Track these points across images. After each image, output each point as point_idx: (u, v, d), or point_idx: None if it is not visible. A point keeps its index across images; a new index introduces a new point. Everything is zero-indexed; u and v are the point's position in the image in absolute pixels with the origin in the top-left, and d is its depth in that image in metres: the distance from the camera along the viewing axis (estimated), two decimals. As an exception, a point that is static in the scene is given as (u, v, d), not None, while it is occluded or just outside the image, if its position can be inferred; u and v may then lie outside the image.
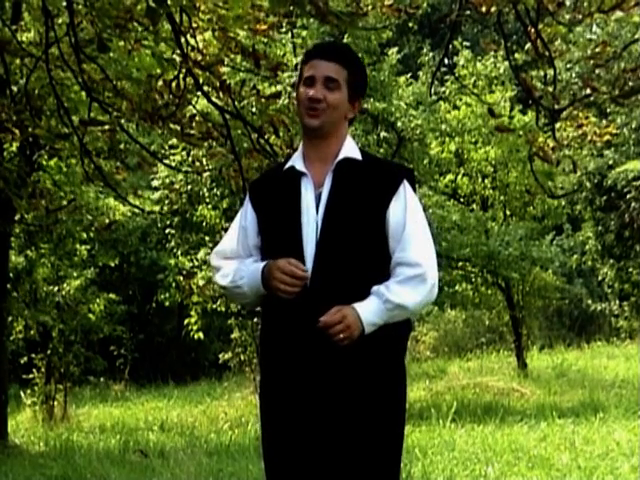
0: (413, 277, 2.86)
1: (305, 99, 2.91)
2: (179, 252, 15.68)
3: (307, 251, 2.87)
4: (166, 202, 15.22)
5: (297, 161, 2.98)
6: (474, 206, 17.81)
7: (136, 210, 13.68)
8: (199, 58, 5.90)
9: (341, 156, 2.95)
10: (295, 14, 6.01)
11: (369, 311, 2.81)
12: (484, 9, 5.37)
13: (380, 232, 2.89)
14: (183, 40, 5.69)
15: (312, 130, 2.93)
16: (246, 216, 3.04)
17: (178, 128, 6.28)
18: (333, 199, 2.89)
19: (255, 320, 13.97)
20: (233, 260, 3.02)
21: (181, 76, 5.94)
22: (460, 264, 16.83)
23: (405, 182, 2.94)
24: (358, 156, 2.97)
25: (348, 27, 5.08)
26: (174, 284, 15.88)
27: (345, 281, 2.84)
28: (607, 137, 6.35)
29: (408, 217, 2.90)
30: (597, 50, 6.05)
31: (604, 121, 13.98)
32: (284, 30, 13.42)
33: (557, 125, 6.20)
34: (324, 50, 3.00)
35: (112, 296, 16.21)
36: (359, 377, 2.85)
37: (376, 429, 2.86)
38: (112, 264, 16.42)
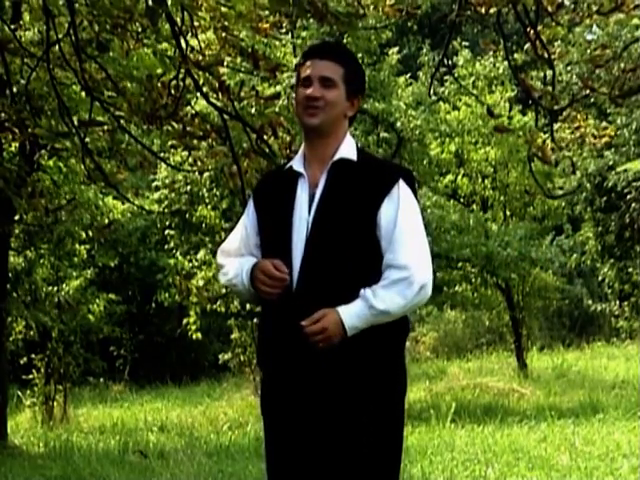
0: (399, 281, 2.82)
1: (303, 98, 2.93)
2: (178, 253, 15.68)
3: (296, 251, 2.89)
4: (166, 202, 15.23)
5: (296, 162, 3.02)
6: (474, 206, 17.81)
7: (136, 210, 13.69)
8: (199, 58, 5.90)
9: (337, 157, 2.96)
10: (294, 14, 6.00)
11: (353, 315, 2.80)
12: (483, 9, 5.37)
13: (370, 233, 2.87)
14: (182, 41, 5.69)
15: (312, 129, 2.95)
16: (248, 215, 3.09)
17: (179, 127, 6.28)
18: (325, 199, 2.91)
19: (255, 320, 13.96)
20: (235, 258, 3.07)
21: (180, 77, 5.94)
22: (460, 265, 16.83)
23: (401, 183, 2.91)
24: (353, 157, 2.97)
25: (346, 29, 5.08)
26: (173, 285, 15.89)
27: (332, 282, 2.85)
28: (606, 139, 6.35)
29: (400, 218, 2.86)
30: (597, 53, 6.05)
31: (604, 122, 13.97)
32: (284, 30, 13.42)
33: (555, 127, 6.20)
34: (319, 49, 3.03)
35: (112, 296, 16.20)
36: (354, 379, 2.85)
37: (375, 430, 2.86)
38: (112, 264, 16.42)
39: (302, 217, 2.91)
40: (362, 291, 2.83)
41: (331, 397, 2.83)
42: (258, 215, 3.04)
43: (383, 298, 2.81)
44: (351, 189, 2.91)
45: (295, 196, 2.95)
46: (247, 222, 3.08)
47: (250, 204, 3.11)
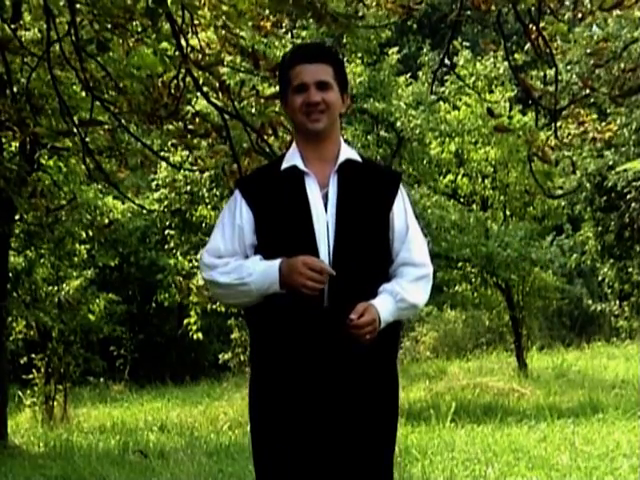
0: (421, 277, 2.98)
1: (303, 105, 2.93)
2: (178, 253, 15.68)
3: (321, 250, 2.89)
4: (166, 202, 15.24)
5: (296, 161, 2.99)
6: (474, 206, 17.81)
7: (136, 210, 13.69)
8: (199, 58, 5.90)
9: (342, 157, 2.99)
10: (294, 14, 6.01)
11: (386, 309, 2.86)
12: (483, 7, 5.36)
13: (385, 232, 2.97)
14: (183, 41, 5.69)
15: (316, 134, 2.96)
16: (241, 214, 2.99)
17: (180, 126, 6.28)
18: (341, 199, 2.94)
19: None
20: (229, 258, 2.99)
21: (180, 76, 5.94)
22: (460, 264, 16.83)
23: (400, 184, 3.05)
24: (358, 158, 3.03)
25: (344, 30, 5.08)
26: (174, 284, 15.89)
27: (358, 280, 2.89)
28: (609, 134, 6.34)
29: (409, 219, 3.01)
30: (599, 46, 6.05)
31: (604, 123, 13.99)
32: (284, 30, 13.43)
33: (559, 124, 6.19)
34: (308, 53, 3.02)
35: (112, 296, 16.21)
36: (359, 377, 2.88)
37: (371, 429, 2.90)
38: (112, 264, 16.42)
39: (320, 217, 2.92)
40: (387, 286, 2.91)
41: (346, 394, 2.86)
42: (255, 214, 2.97)
43: (411, 292, 2.93)
44: (363, 190, 2.97)
45: (306, 195, 2.94)
46: (241, 221, 2.98)
47: (241, 203, 3.00)
